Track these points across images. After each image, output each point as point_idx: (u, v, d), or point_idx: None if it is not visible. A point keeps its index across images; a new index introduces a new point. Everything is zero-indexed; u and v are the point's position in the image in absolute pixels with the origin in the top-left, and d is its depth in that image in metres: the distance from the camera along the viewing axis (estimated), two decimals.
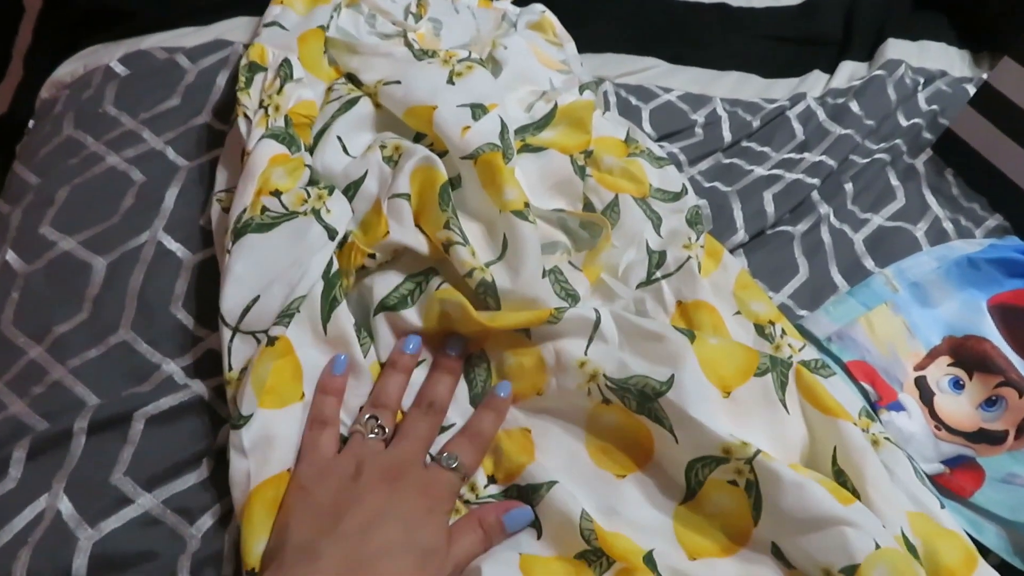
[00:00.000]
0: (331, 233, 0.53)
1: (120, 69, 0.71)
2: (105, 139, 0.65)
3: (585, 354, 0.51)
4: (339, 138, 0.60)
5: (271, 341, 0.48)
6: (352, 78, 0.66)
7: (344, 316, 0.51)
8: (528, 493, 0.48)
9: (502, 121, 0.59)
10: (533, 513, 0.47)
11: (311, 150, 0.60)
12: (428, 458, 0.48)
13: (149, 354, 0.53)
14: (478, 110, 0.59)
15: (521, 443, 0.50)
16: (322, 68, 0.67)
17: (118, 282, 0.56)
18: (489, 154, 0.56)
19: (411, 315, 0.53)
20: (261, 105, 0.61)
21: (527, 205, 0.56)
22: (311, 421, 0.48)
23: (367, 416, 0.48)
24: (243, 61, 0.65)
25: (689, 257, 0.60)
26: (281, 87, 0.62)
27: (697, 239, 0.61)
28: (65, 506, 0.47)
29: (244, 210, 0.54)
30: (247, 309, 0.50)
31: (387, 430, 0.48)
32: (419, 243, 0.54)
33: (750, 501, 0.47)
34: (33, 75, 0.81)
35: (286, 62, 0.63)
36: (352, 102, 0.63)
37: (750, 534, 0.48)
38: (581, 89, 0.68)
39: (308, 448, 0.47)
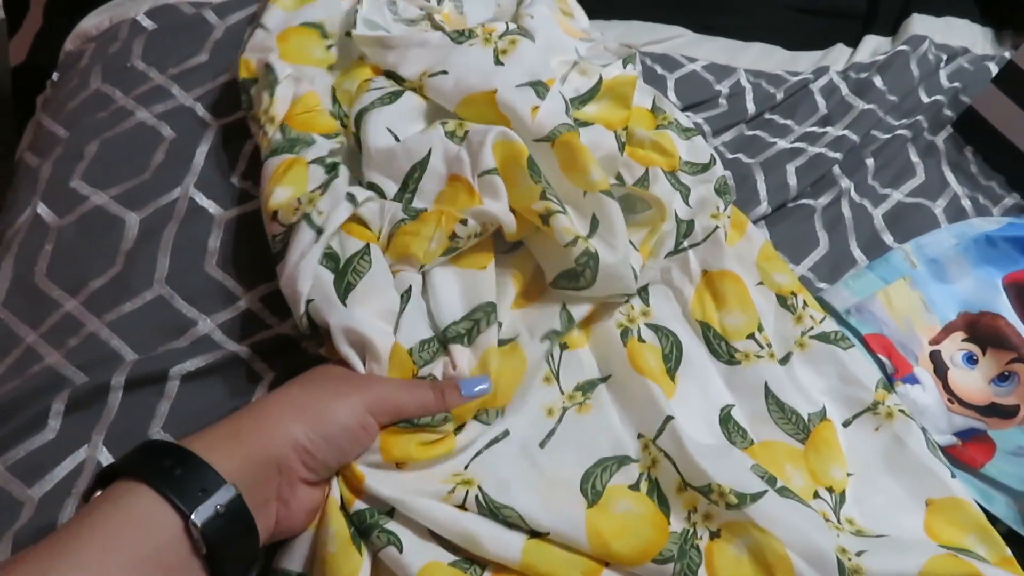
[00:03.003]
0: (318, 231, 0.50)
1: (147, 23, 0.70)
2: (134, 94, 0.65)
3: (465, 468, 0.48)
4: (389, 129, 0.56)
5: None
6: (392, 75, 0.61)
7: (363, 308, 0.48)
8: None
9: (563, 97, 0.58)
10: (490, 383, 0.47)
11: (355, 132, 0.57)
12: None
13: (185, 310, 0.54)
14: (540, 88, 0.57)
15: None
16: (312, 57, 0.63)
17: (152, 237, 0.57)
18: (567, 135, 0.54)
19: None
20: (259, 124, 0.58)
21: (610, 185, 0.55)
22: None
23: None
24: (239, 79, 0.62)
25: (717, 227, 0.60)
26: (271, 96, 0.58)
27: (724, 209, 0.62)
28: (105, 458, 0.48)
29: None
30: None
31: None
32: (510, 221, 0.53)
33: None
34: (53, 25, 0.81)
35: (267, 67, 0.59)
36: (396, 94, 0.59)
37: None
38: (625, 62, 0.67)
39: None
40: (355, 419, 0.42)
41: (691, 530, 0.47)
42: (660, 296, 0.60)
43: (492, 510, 0.44)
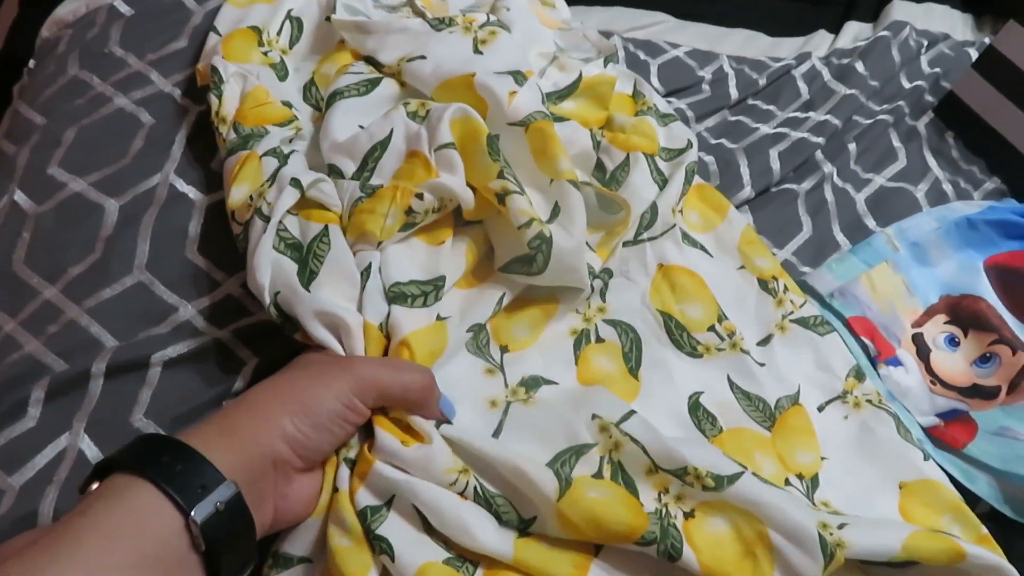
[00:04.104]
0: (267, 221, 0.49)
1: (124, 8, 0.69)
2: (112, 80, 0.64)
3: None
4: (361, 127, 0.56)
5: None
6: (371, 61, 0.62)
7: (328, 291, 0.48)
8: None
9: (540, 89, 0.57)
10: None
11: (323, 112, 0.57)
12: None
13: (165, 296, 0.54)
14: (519, 76, 0.57)
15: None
16: (253, 56, 0.63)
17: (131, 224, 0.56)
18: (541, 122, 0.54)
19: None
20: (215, 127, 0.58)
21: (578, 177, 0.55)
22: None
23: None
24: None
25: (674, 225, 0.60)
26: (219, 98, 0.58)
27: (679, 201, 0.61)
28: (87, 445, 0.48)
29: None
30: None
31: None
32: (468, 197, 0.52)
33: None
34: (30, 12, 0.80)
35: (213, 69, 0.59)
36: (373, 83, 0.59)
37: None
38: (606, 61, 0.67)
39: None
40: (341, 403, 0.42)
41: (663, 510, 0.46)
42: (616, 288, 0.59)
43: (487, 499, 0.44)
